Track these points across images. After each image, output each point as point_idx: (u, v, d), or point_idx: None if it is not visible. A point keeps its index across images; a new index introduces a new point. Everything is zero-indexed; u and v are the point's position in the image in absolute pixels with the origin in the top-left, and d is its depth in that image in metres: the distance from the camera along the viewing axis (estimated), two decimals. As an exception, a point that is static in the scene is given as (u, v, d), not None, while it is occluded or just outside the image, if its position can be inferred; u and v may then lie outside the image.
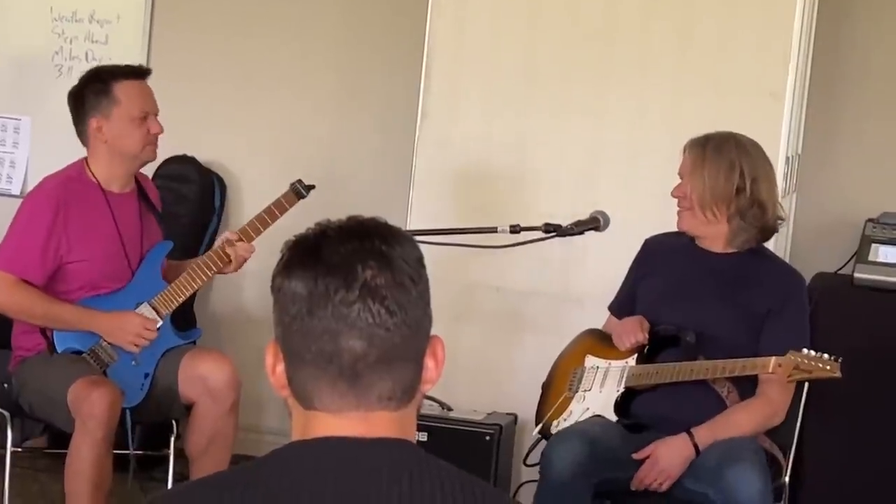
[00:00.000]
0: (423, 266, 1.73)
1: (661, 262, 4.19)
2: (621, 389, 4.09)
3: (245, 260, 4.38)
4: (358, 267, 1.67)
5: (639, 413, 4.08)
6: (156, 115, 4.39)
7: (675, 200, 4.10)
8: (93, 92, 4.33)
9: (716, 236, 4.09)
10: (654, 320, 4.09)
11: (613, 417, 4.09)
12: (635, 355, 4.10)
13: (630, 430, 4.06)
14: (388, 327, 1.68)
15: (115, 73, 4.37)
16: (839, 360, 3.82)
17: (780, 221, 4.14)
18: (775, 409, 4.00)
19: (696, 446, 3.90)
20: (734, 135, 4.09)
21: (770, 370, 3.84)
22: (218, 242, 4.42)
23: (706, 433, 3.92)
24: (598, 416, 4.10)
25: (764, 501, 3.78)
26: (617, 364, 4.13)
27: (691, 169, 4.07)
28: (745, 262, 4.09)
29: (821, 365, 3.82)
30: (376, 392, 1.69)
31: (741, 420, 3.96)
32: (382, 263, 1.68)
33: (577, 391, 4.20)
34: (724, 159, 4.02)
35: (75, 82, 4.44)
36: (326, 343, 1.67)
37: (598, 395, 4.14)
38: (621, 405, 4.10)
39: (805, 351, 3.85)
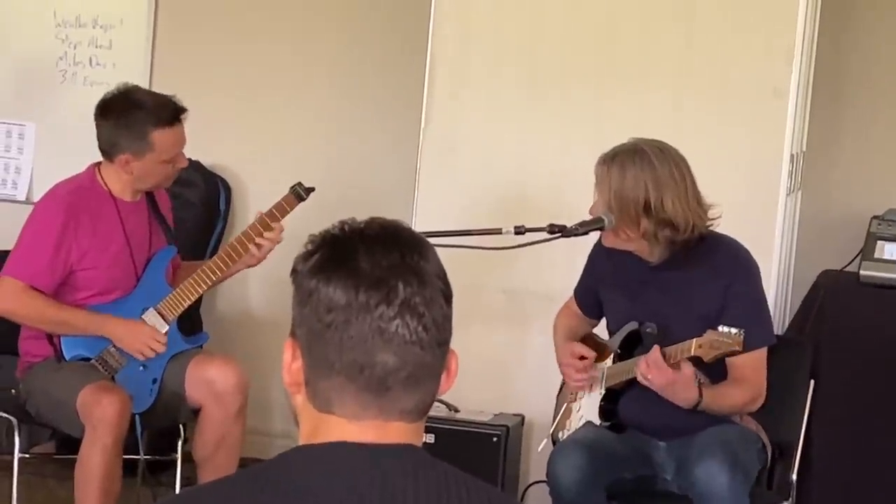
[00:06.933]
0: (448, 282, 1.74)
1: (615, 270, 4.03)
2: (602, 392, 4.08)
3: (269, 249, 4.35)
4: (399, 283, 1.67)
5: (621, 414, 4.05)
6: (182, 147, 4.37)
7: None
8: (130, 133, 4.27)
9: (641, 250, 3.91)
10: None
11: (598, 421, 4.07)
12: (612, 356, 4.08)
13: (614, 430, 4.05)
14: (422, 345, 1.68)
15: (155, 120, 4.27)
16: (741, 333, 3.65)
17: (710, 223, 3.87)
18: (757, 391, 3.93)
19: (700, 393, 3.80)
20: (639, 146, 3.83)
21: (692, 352, 3.71)
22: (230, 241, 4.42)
23: (709, 392, 3.84)
24: (589, 421, 4.10)
25: (732, 490, 3.72)
26: (601, 367, 4.12)
27: (598, 188, 3.87)
28: (682, 268, 3.89)
29: (726, 340, 3.67)
30: (400, 406, 1.69)
31: (735, 393, 3.91)
32: (420, 281, 1.68)
33: (575, 398, 4.20)
34: (629, 177, 3.78)
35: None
36: (360, 355, 1.67)
37: (588, 399, 4.14)
38: (605, 408, 4.07)
39: (721, 329, 3.67)
